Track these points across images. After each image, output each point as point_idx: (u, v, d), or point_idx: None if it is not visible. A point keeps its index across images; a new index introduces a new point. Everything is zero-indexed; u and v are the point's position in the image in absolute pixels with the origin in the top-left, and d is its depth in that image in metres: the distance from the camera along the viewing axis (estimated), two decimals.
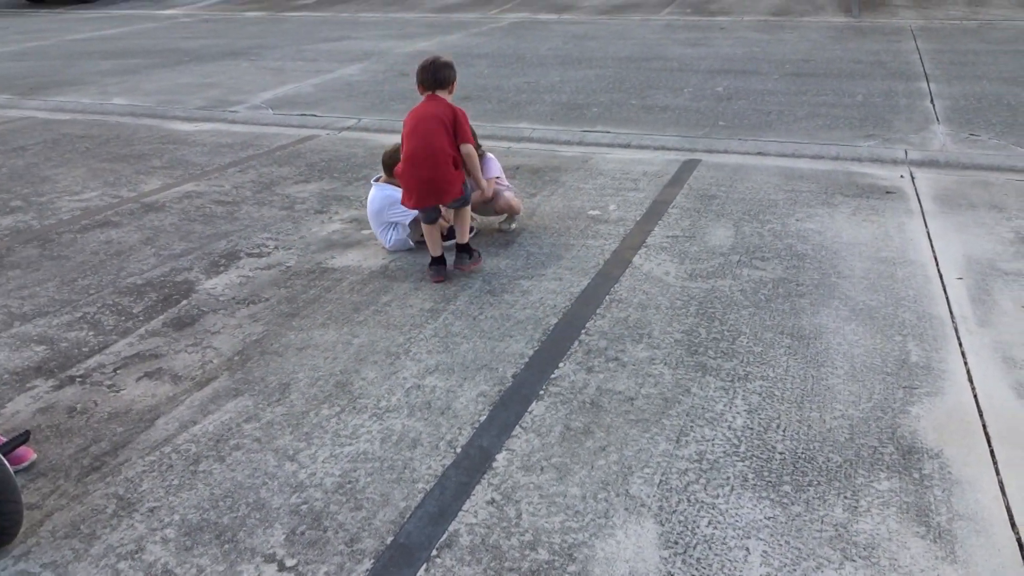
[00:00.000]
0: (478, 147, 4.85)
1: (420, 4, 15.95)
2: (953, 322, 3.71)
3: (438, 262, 4.36)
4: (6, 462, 2.48)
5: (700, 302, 3.96)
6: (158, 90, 9.44)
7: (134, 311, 4.10)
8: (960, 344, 3.52)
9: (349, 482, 2.78)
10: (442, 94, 4.24)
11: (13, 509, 2.48)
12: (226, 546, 2.52)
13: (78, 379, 3.49)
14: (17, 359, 3.67)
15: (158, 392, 3.37)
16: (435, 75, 4.20)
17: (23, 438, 2.77)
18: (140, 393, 3.37)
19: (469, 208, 4.44)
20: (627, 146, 6.63)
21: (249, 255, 4.74)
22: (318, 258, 4.67)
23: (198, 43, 12.70)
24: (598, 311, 3.91)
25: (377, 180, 4.74)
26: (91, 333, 3.89)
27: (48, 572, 2.46)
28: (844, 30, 11.41)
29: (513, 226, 4.95)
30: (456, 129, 4.17)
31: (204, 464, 2.91)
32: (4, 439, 2.88)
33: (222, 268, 4.57)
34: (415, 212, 4.58)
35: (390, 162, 4.62)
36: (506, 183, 4.93)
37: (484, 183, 4.56)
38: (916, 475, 2.71)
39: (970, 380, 3.25)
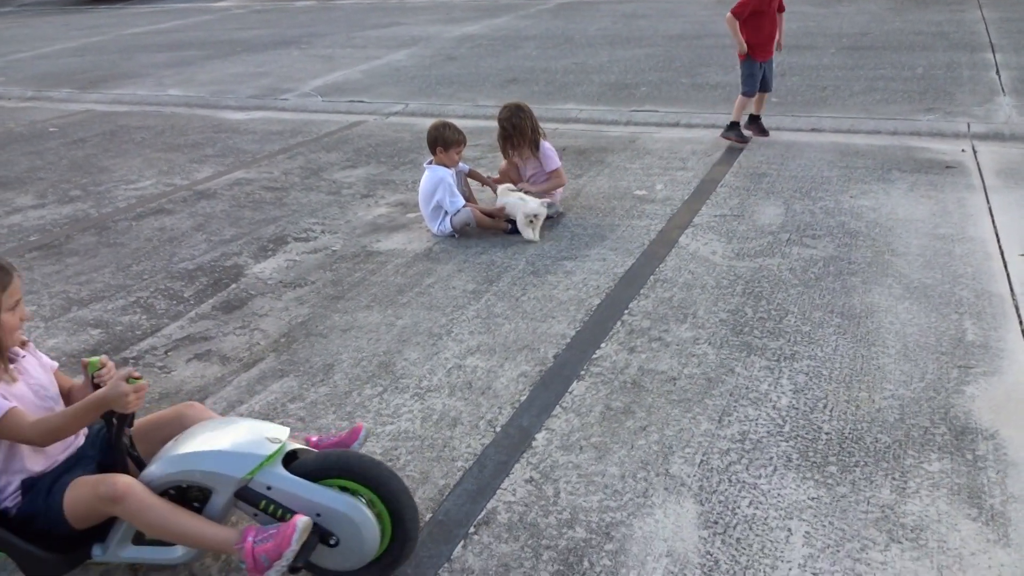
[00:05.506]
0: (540, 133, 4.84)
1: None
2: (1014, 300, 3.57)
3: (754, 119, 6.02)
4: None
5: (747, 281, 3.88)
6: (211, 80, 9.62)
7: (185, 295, 4.19)
8: (1021, 322, 3.38)
9: (390, 460, 2.79)
10: None
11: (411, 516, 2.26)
12: None
13: (131, 361, 3.59)
14: (74, 342, 3.79)
15: (207, 373, 3.45)
16: None
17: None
18: (190, 374, 3.45)
19: None
20: (676, 125, 6.53)
21: (296, 239, 4.80)
22: (363, 242, 4.71)
23: (250, 33, 12.90)
24: (642, 291, 3.86)
25: (430, 163, 4.73)
26: (144, 317, 3.99)
27: None
28: (904, 1, 11.03)
29: (560, 210, 4.88)
30: None
31: None
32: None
33: (270, 253, 4.64)
34: (461, 202, 4.59)
35: (430, 138, 4.66)
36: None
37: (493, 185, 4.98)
38: (969, 456, 2.61)
39: None
